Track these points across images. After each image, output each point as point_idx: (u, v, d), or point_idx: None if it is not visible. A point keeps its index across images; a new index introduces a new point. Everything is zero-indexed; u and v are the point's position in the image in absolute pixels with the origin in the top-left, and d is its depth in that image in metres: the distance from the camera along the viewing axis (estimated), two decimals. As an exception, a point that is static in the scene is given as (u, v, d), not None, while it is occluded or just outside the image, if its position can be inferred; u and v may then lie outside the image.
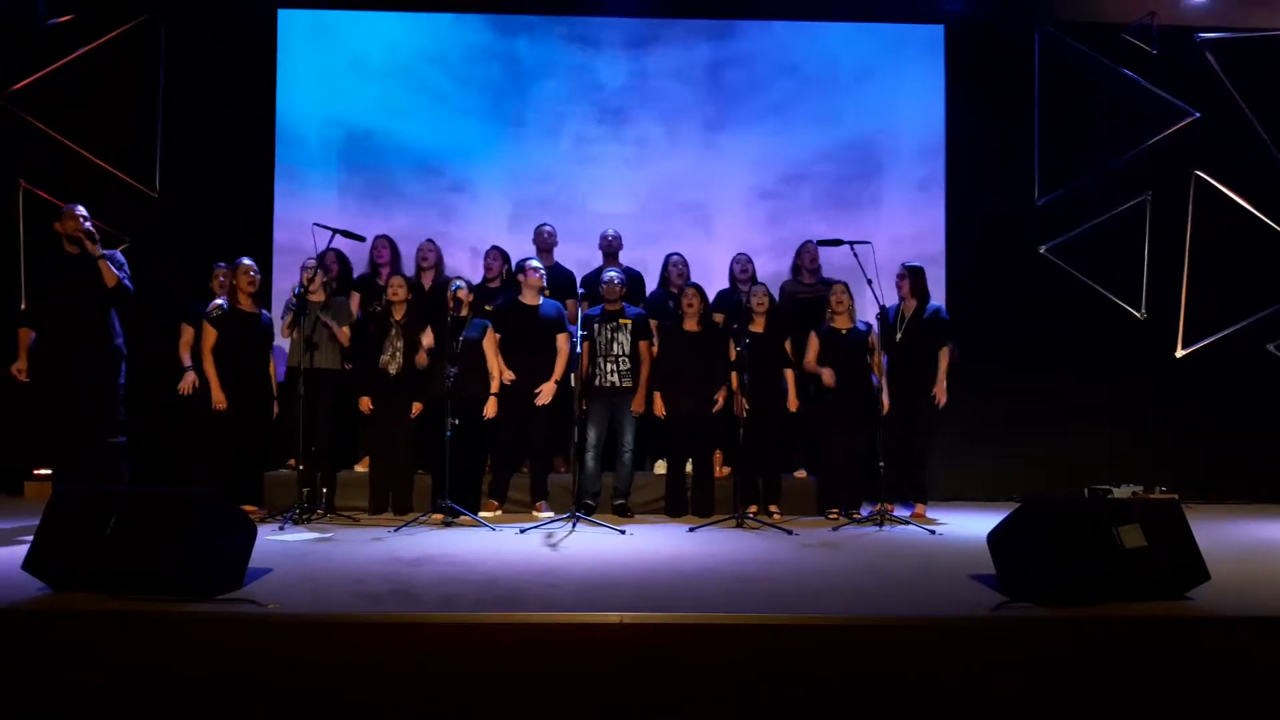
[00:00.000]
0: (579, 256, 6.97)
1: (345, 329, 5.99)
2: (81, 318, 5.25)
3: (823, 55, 7.39)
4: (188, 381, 5.88)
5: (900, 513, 5.98)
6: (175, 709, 2.91)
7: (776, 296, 6.44)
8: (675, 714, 2.94)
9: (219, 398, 5.71)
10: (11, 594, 3.41)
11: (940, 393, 6.05)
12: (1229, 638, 3.17)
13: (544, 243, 6.69)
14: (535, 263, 6.12)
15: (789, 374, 6.07)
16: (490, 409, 5.81)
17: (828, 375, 5.96)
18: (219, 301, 5.89)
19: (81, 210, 5.30)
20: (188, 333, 5.98)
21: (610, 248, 6.69)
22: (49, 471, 6.46)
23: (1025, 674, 3.06)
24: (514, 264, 6.40)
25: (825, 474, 6.10)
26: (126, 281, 5.31)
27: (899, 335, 6.10)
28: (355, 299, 6.35)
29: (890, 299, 6.15)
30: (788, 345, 6.12)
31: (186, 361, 5.95)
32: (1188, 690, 3.02)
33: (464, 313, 5.79)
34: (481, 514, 5.74)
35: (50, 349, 5.24)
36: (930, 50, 7.37)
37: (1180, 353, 7.28)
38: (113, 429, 5.28)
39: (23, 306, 5.59)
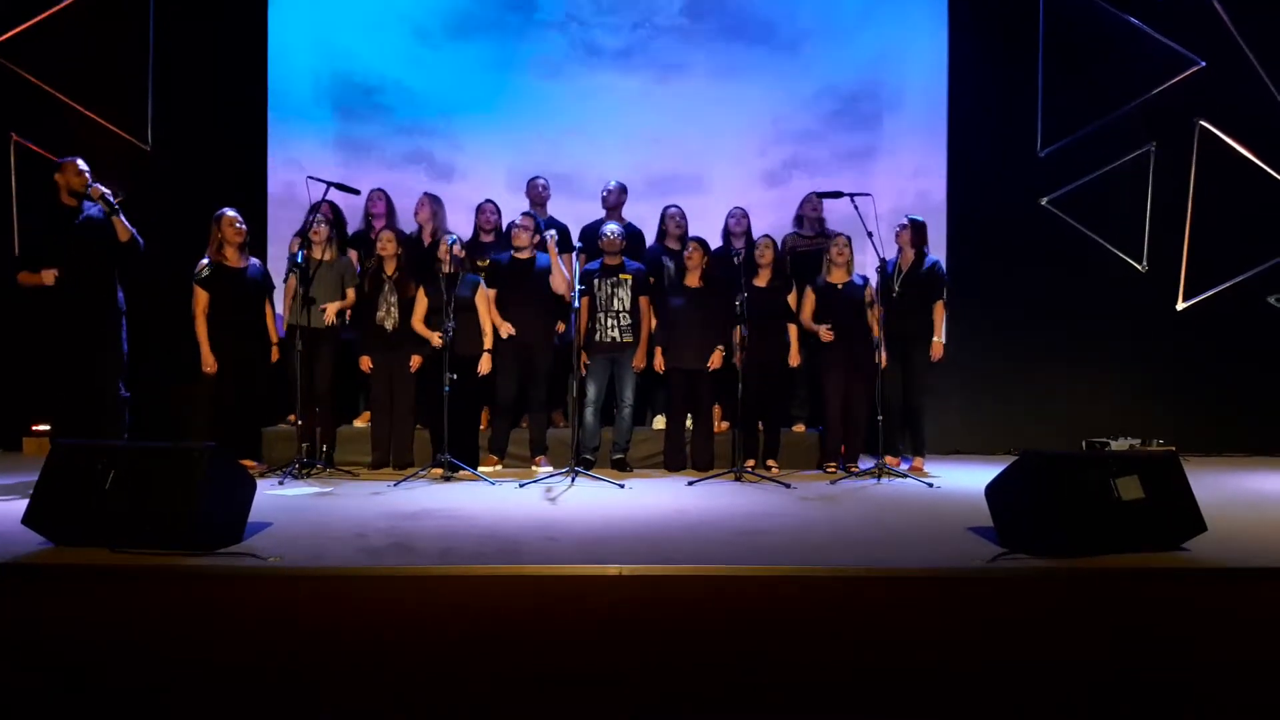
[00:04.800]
0: (576, 211, 6.89)
1: (351, 291, 5.95)
2: (85, 273, 5.22)
3: (824, 2, 7.26)
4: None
5: (898, 466, 5.99)
6: (175, 662, 2.93)
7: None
8: (674, 665, 2.95)
9: (209, 361, 5.66)
10: (11, 549, 3.42)
11: (936, 349, 6.03)
12: (1225, 588, 3.19)
13: (537, 196, 6.61)
14: (526, 218, 6.05)
15: (792, 329, 6.05)
16: (484, 365, 5.79)
17: (825, 333, 5.93)
18: (205, 261, 5.77)
19: (81, 164, 5.26)
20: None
21: (606, 202, 6.60)
22: (47, 427, 6.47)
23: (1022, 625, 3.08)
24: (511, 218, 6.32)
25: (824, 428, 6.11)
26: (137, 235, 5.30)
27: (896, 288, 6.06)
28: (353, 256, 6.30)
29: (891, 252, 6.10)
30: (791, 298, 6.09)
31: None
32: (1183, 640, 3.03)
33: (452, 269, 5.68)
34: (481, 468, 5.75)
35: (54, 305, 5.21)
36: (933, -3, 7.24)
37: (1181, 306, 7.25)
38: (116, 386, 5.28)
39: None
